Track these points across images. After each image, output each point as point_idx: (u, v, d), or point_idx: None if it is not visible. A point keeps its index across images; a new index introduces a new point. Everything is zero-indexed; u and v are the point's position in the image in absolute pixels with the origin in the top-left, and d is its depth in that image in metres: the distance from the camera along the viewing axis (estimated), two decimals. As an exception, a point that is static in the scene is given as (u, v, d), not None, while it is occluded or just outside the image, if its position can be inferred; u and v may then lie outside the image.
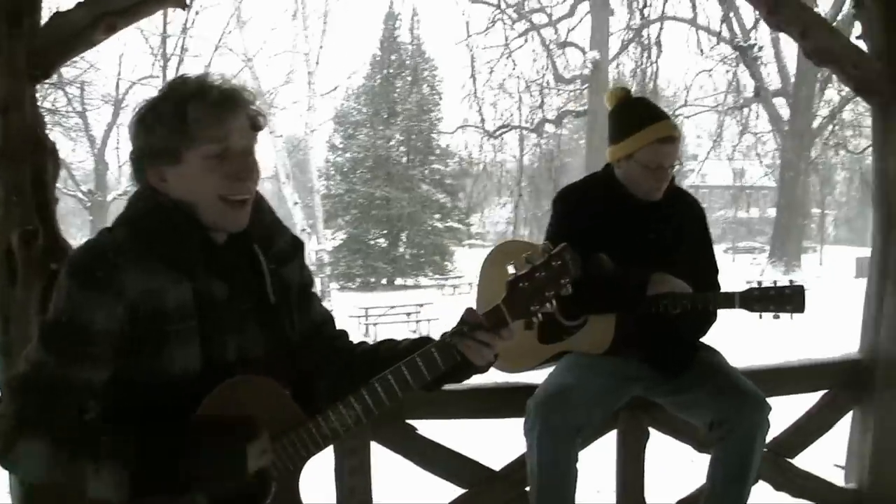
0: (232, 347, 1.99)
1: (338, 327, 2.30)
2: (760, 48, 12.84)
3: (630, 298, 3.17)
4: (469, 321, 2.01)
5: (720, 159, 22.85)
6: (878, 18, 3.64)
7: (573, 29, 18.20)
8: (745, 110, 20.44)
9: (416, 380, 2.02)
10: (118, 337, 1.88)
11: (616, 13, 17.86)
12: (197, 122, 1.90)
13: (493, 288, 3.56)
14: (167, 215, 1.96)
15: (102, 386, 1.90)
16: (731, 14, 12.77)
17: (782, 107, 24.34)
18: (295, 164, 25.93)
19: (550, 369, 3.39)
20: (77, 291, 1.87)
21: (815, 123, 23.89)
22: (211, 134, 1.91)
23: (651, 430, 3.61)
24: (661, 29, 13.39)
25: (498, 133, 17.21)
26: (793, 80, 21.64)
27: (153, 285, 1.89)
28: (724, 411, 3.10)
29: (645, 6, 13.03)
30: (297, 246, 2.18)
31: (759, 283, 3.18)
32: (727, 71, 14.80)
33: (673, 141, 3.21)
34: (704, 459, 3.28)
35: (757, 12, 3.61)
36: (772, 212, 33.28)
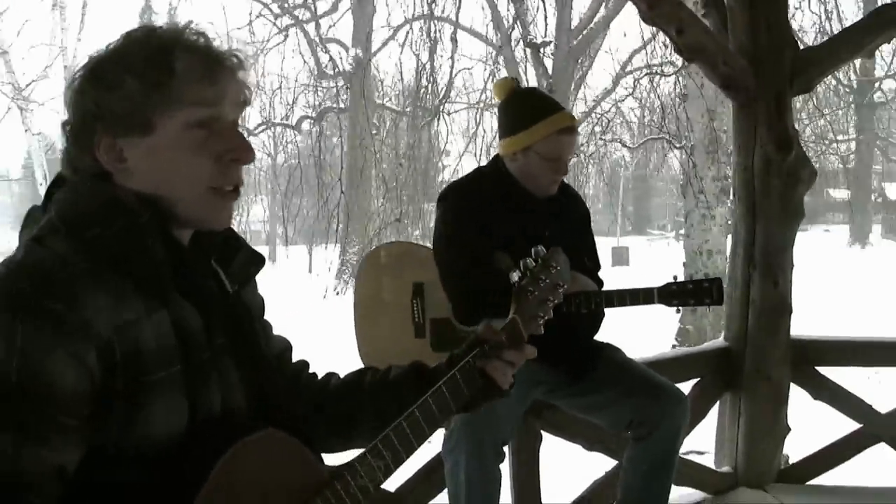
0: (217, 397, 1.50)
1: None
2: (550, 45, 13.37)
3: None
4: (490, 339, 1.79)
5: (475, 156, 23.63)
6: (742, 17, 3.85)
7: (334, 25, 18.28)
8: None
9: (444, 413, 1.70)
10: (90, 397, 1.34)
11: (378, 10, 18.17)
12: (186, 74, 1.44)
13: (385, 293, 3.44)
14: (130, 215, 1.44)
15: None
16: (516, 13, 13.25)
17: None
18: (52, 163, 24.13)
19: None
20: (28, 336, 1.29)
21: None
22: (201, 93, 1.45)
23: (543, 432, 3.62)
24: (430, 27, 13.61)
25: (258, 130, 16.83)
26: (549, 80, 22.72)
27: (127, 317, 1.37)
28: (644, 410, 3.13)
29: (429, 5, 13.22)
30: (258, 263, 1.68)
31: (675, 276, 3.26)
32: (485, 69, 15.34)
33: (572, 132, 3.19)
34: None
35: (636, 9, 3.67)
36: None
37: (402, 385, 1.78)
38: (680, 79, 13.98)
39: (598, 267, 3.41)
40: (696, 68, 12.66)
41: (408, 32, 14.64)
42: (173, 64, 1.43)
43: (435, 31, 13.93)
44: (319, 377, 1.86)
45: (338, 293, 17.32)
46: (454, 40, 13.96)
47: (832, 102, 32.13)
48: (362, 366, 1.91)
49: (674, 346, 13.03)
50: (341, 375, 1.87)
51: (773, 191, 3.95)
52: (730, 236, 14.33)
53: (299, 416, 1.69)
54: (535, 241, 3.10)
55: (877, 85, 35.02)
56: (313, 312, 15.62)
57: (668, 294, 3.16)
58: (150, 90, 1.43)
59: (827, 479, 4.27)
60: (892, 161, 41.49)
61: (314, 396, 1.80)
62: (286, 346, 1.82)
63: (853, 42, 4.06)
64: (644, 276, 5.38)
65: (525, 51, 14.03)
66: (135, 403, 1.37)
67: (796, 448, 4.29)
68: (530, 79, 13.95)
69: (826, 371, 4.27)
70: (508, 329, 1.80)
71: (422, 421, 1.66)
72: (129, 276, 1.40)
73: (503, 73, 14.28)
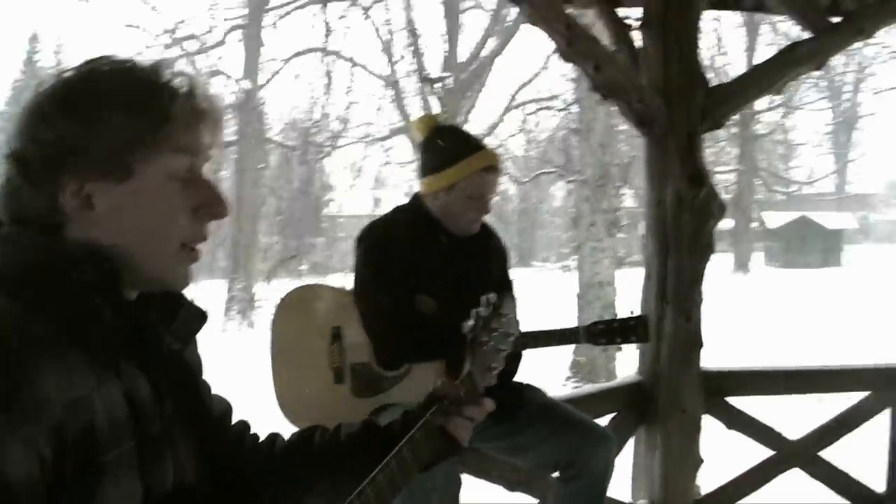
0: (169, 474, 1.36)
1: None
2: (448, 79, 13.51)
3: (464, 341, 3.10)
4: (450, 395, 1.72)
5: (359, 189, 23.73)
6: (655, 55, 3.94)
7: (221, 58, 18.16)
8: (388, 141, 21.51)
9: (405, 476, 1.59)
10: (42, 488, 1.15)
11: (269, 43, 18.23)
12: (181, 118, 1.32)
13: (302, 338, 3.32)
14: (78, 272, 1.26)
15: None
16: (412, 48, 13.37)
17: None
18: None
19: None
20: None
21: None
22: (189, 141, 1.34)
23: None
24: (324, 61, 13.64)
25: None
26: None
27: (79, 392, 1.19)
28: (572, 450, 3.13)
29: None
30: (202, 319, 1.48)
31: (601, 316, 3.28)
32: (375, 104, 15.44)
33: (496, 170, 3.20)
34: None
35: (554, 44, 3.71)
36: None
37: (357, 446, 1.69)
38: (570, 113, 14.30)
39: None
40: (588, 103, 13.24)
41: (300, 65, 14.65)
42: (171, 105, 1.32)
43: (327, 65, 13.95)
44: (262, 439, 1.72)
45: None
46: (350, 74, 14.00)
47: (715, 134, 33.33)
48: (281, 413, 1.85)
49: (568, 379, 13.21)
50: (284, 437, 1.74)
51: (686, 226, 4.03)
52: (618, 269, 14.63)
53: (248, 483, 1.61)
54: (457, 282, 3.12)
55: (757, 117, 36.43)
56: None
57: (595, 333, 3.17)
58: (140, 131, 1.29)
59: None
60: (772, 191, 43.16)
61: (261, 460, 1.67)
62: (227, 408, 1.67)
63: (763, 79, 4.19)
64: (534, 308, 5.42)
65: (420, 85, 14.18)
66: (86, 489, 1.19)
67: (707, 478, 4.36)
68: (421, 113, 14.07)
69: (736, 401, 4.37)
70: (466, 384, 1.74)
71: (385, 486, 1.54)
72: (78, 343, 1.21)
73: (391, 108, 14.39)
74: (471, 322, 1.84)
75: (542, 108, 14.61)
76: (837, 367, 4.89)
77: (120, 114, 1.28)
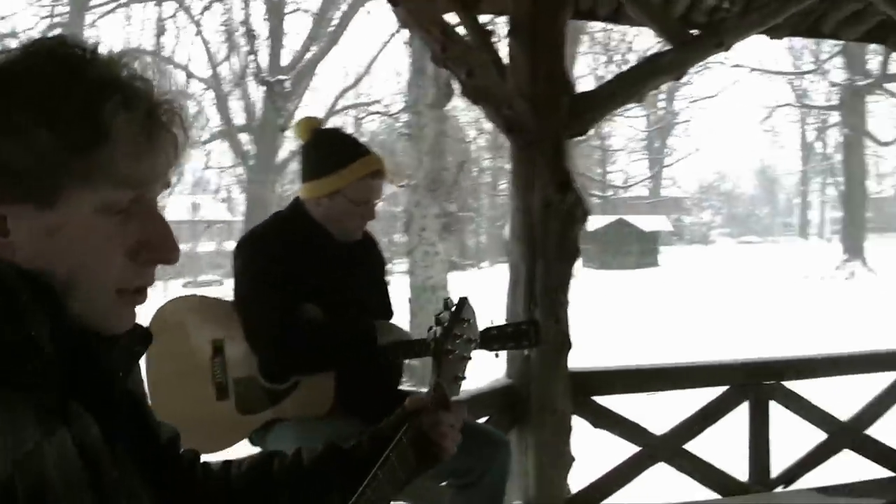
0: None
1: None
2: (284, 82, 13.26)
3: (362, 351, 3.03)
4: (437, 404, 1.65)
5: (178, 194, 23.11)
6: (523, 63, 4.02)
7: None
8: (208, 145, 21.08)
9: (394, 487, 1.51)
10: None
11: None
12: (121, 141, 1.07)
13: (181, 353, 3.19)
14: (7, 295, 1.03)
15: None
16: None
17: (247, 143, 25.13)
18: None
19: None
20: None
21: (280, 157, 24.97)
22: (131, 170, 1.08)
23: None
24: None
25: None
26: (258, 115, 22.71)
27: (25, 447, 0.97)
28: (471, 457, 3.04)
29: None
30: (145, 341, 1.25)
31: (492, 321, 3.27)
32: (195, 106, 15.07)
33: (382, 175, 3.15)
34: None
35: (429, 49, 3.74)
36: (229, 245, 34.72)
37: (323, 471, 1.56)
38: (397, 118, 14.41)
39: (391, 313, 3.40)
40: (418, 108, 13.37)
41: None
42: (108, 124, 1.05)
43: (147, 65, 13.54)
44: (215, 467, 1.54)
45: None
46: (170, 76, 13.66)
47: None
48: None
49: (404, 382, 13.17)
50: (237, 464, 1.57)
51: (553, 231, 4.14)
52: (450, 272, 14.69)
53: None
54: (342, 289, 3.08)
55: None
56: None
57: (489, 339, 3.06)
58: (68, 153, 1.04)
59: (613, 501, 4.56)
60: (590, 195, 44.47)
61: (217, 490, 1.49)
62: (174, 434, 1.46)
63: (625, 88, 4.36)
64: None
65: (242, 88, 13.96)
66: None
67: (577, 476, 4.48)
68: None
69: (602, 400, 4.53)
70: (437, 397, 1.65)
71: (375, 500, 1.44)
72: (17, 385, 0.99)
73: (212, 111, 14.15)
74: (435, 329, 1.78)
75: (370, 113, 14.63)
76: (698, 364, 5.15)
77: (46, 128, 1.03)
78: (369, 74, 28.02)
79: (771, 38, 4.77)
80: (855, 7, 5.06)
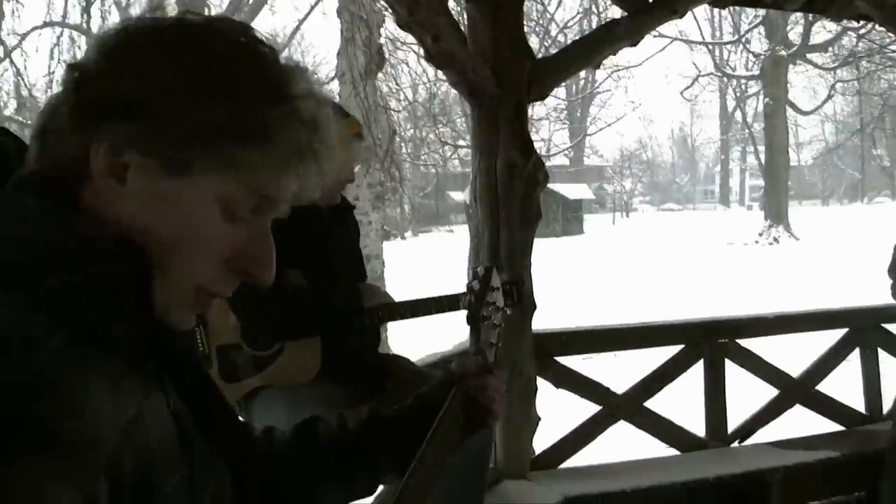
0: (209, 496, 1.12)
1: None
2: None
3: (348, 314, 3.09)
4: (482, 369, 1.62)
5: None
6: (485, 28, 4.07)
7: None
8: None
9: (447, 450, 1.49)
10: None
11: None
12: (282, 148, 1.05)
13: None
14: (107, 259, 0.97)
15: None
16: None
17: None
18: None
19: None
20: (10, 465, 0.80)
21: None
22: (268, 180, 1.08)
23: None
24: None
25: None
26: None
27: (130, 412, 0.94)
28: None
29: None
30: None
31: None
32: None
33: (361, 137, 3.20)
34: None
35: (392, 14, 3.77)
36: None
37: (372, 438, 1.53)
38: (331, 88, 14.31)
39: (365, 278, 3.45)
40: (349, 77, 13.32)
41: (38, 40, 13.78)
42: (275, 128, 1.04)
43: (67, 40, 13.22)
44: (256, 434, 1.49)
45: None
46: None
47: (452, 110, 34.25)
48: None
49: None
50: (279, 431, 1.53)
51: (516, 194, 4.21)
52: (385, 241, 14.66)
53: (275, 484, 1.40)
54: (323, 254, 3.11)
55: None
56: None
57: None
58: (227, 136, 1.01)
59: (576, 460, 4.70)
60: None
61: (262, 458, 1.41)
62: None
63: (584, 54, 4.46)
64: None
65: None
66: None
67: (541, 436, 4.60)
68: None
69: (563, 360, 4.67)
70: (482, 361, 1.63)
71: (422, 478, 1.40)
72: (114, 349, 0.95)
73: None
74: (468, 297, 1.81)
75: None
76: (656, 324, 5.32)
77: (220, 100, 1.01)
78: (294, 44, 27.79)
79: (714, 6, 4.89)
80: (797, -22, 5.23)
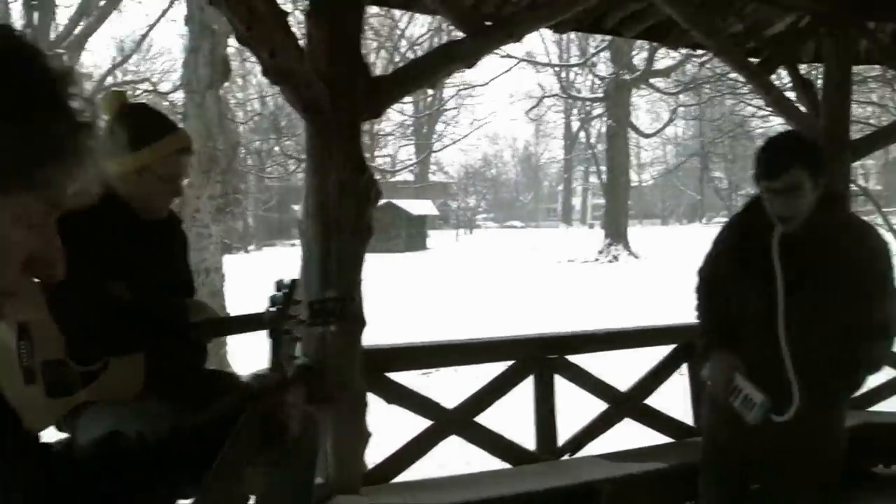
0: None
1: None
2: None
3: (175, 329, 3.08)
4: (279, 383, 1.66)
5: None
6: (321, 44, 4.13)
7: None
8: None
9: (242, 466, 1.56)
10: None
11: None
12: (68, 158, 1.13)
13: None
14: None
15: None
16: None
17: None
18: None
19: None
20: None
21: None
22: (60, 187, 1.15)
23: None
24: None
25: None
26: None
27: None
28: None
29: None
30: None
31: (211, 305, 3.33)
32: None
33: (190, 151, 3.22)
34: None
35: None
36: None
37: (172, 451, 1.56)
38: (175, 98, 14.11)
39: (194, 292, 3.45)
40: (194, 86, 13.13)
41: None
42: (63, 140, 1.10)
43: None
44: (55, 446, 1.51)
45: None
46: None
47: (298, 123, 33.95)
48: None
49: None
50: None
51: (347, 210, 4.28)
52: (226, 255, 14.46)
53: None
54: (149, 268, 3.10)
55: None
56: None
57: (312, 315, 3.20)
58: (20, 157, 1.07)
59: (410, 474, 4.79)
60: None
61: (66, 474, 1.43)
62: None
63: (420, 73, 4.56)
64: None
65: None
66: None
67: (374, 451, 4.66)
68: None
69: (395, 376, 4.76)
70: (280, 376, 1.69)
71: (218, 490, 1.49)
72: None
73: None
74: (272, 310, 1.82)
75: (141, 91, 14.19)
76: (487, 340, 5.49)
77: (6, 123, 1.06)
78: (140, 51, 27.14)
79: (556, 31, 5.08)
80: (637, 6, 5.49)
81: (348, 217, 4.28)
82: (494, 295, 22.77)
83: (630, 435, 5.48)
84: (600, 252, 36.45)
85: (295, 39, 4.14)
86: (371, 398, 4.57)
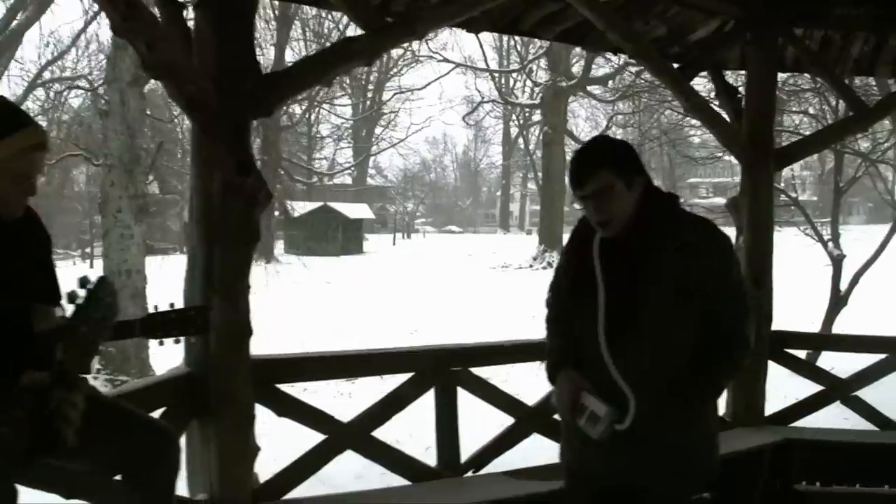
0: None
1: None
2: None
3: (13, 337, 2.88)
4: (59, 382, 1.63)
5: None
6: (209, 39, 3.95)
7: None
8: None
9: (12, 464, 1.56)
10: None
11: None
12: None
13: None
14: None
15: None
16: None
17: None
18: None
19: None
20: None
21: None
22: None
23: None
24: None
25: None
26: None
27: None
28: (134, 452, 2.95)
29: None
30: None
31: (156, 307, 3.15)
32: None
33: (45, 148, 2.95)
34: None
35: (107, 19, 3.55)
36: None
37: None
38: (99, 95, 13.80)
39: (59, 296, 3.23)
40: (118, 84, 12.82)
41: None
42: None
43: None
44: None
45: None
46: None
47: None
48: None
49: (98, 371, 12.69)
50: None
51: (233, 214, 4.06)
52: (147, 256, 14.31)
53: None
54: (5, 271, 2.87)
55: (284, 109, 37.23)
56: None
57: (152, 326, 2.97)
58: None
59: (301, 490, 4.55)
60: (295, 181, 44.60)
61: None
62: None
63: (316, 70, 4.38)
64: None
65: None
66: None
67: (267, 466, 4.49)
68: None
69: (288, 388, 4.55)
70: (60, 375, 1.61)
71: None
72: None
73: None
74: (69, 307, 1.68)
75: (73, 87, 13.83)
76: (385, 351, 5.28)
77: None
78: (76, 47, 26.68)
79: (468, 31, 4.93)
80: (554, 7, 5.34)
81: (232, 221, 4.06)
82: (424, 300, 22.69)
83: (538, 451, 5.29)
84: (534, 259, 36.47)
85: (180, 31, 3.94)
86: (262, 411, 4.37)
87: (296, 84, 4.42)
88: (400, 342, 9.69)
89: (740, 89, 6.36)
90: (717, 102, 6.65)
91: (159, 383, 4.26)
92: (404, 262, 37.44)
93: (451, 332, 13.64)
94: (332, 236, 45.65)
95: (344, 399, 5.76)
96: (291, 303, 21.69)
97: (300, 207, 46.06)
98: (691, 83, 6.15)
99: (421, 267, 34.71)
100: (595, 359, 3.00)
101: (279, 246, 43.77)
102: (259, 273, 28.48)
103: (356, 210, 49.01)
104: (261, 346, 4.55)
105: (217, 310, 4.06)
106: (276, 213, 41.90)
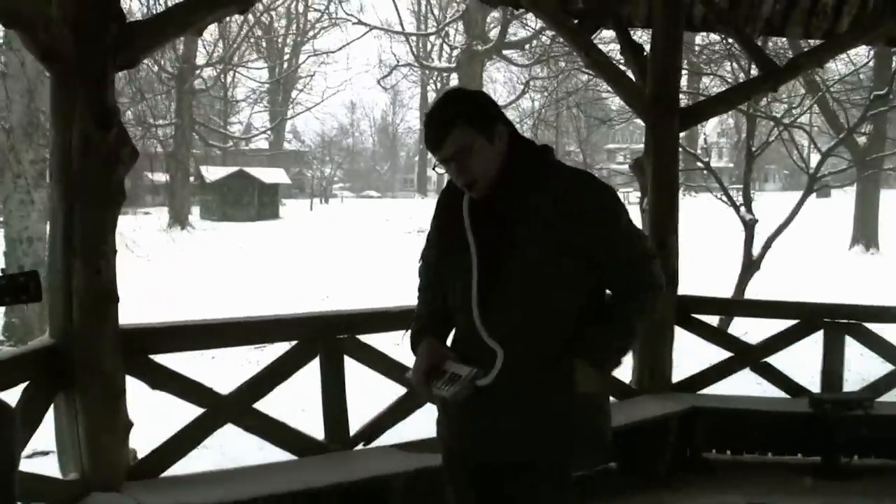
0: None
1: None
2: None
3: None
4: None
5: None
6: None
7: None
8: None
9: None
10: None
11: None
12: None
13: None
14: None
15: None
16: None
17: None
18: None
19: None
20: None
21: None
22: None
23: None
24: None
25: None
26: None
27: None
28: None
29: None
30: None
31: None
32: None
33: None
34: None
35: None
36: None
37: None
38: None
39: None
40: (16, 44, 12.24)
41: None
42: None
43: None
44: None
45: None
46: None
47: (154, 88, 33.00)
48: None
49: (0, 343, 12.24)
50: None
51: (93, 171, 3.81)
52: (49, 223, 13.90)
53: None
54: None
55: (198, 72, 36.55)
56: None
57: None
58: None
59: (179, 468, 4.30)
60: (210, 145, 43.80)
61: None
62: None
63: (181, 18, 4.11)
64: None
65: None
66: None
67: (146, 442, 4.25)
68: None
69: (162, 359, 4.27)
70: None
71: None
72: None
73: None
74: None
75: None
76: (265, 318, 5.00)
77: None
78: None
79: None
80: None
81: (93, 179, 3.80)
82: (337, 266, 22.35)
83: (431, 423, 5.05)
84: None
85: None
86: (135, 383, 4.11)
87: (160, 33, 4.14)
88: (311, 308, 9.42)
89: (647, 48, 6.19)
90: (622, 60, 6.48)
91: (20, 355, 3.98)
92: (320, 227, 36.97)
93: (363, 297, 13.38)
94: (248, 201, 44.88)
95: (252, 367, 5.48)
96: (202, 270, 21.21)
97: (215, 173, 45.26)
98: (594, 41, 5.97)
99: (337, 232, 34.29)
100: (470, 324, 2.78)
101: (195, 212, 42.96)
102: (176, 238, 28.07)
103: (272, 175, 48.24)
104: (159, 314, 4.29)
105: (78, 274, 3.82)
106: (192, 178, 41.14)
